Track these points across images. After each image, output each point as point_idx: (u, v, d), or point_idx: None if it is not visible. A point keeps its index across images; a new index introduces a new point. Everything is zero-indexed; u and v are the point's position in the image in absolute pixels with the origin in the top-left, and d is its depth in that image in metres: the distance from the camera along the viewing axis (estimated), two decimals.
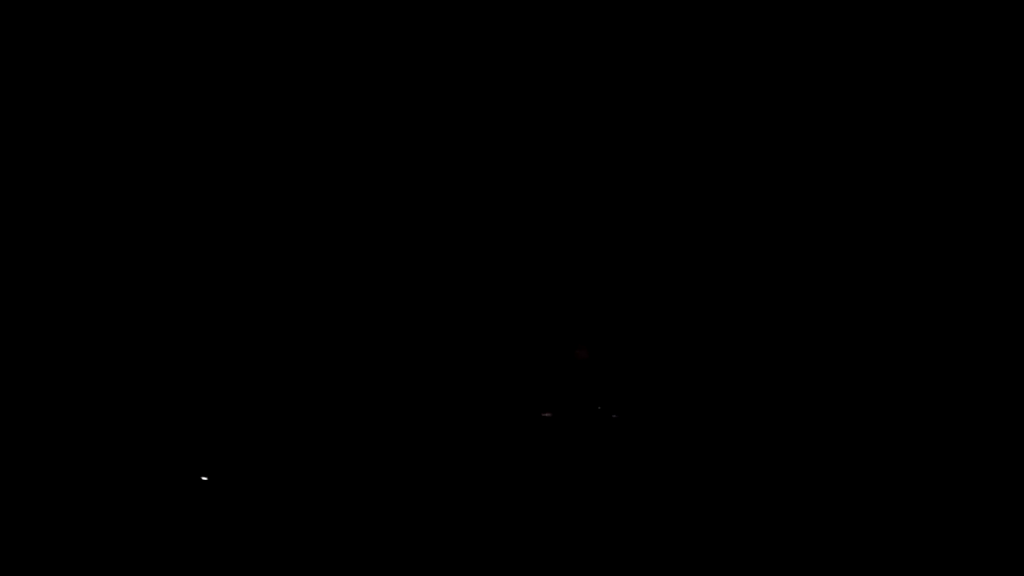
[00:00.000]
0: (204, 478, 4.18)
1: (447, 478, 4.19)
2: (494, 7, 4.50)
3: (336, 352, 4.51)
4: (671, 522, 3.97)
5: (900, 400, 4.39)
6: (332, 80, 4.55)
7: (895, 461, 4.22)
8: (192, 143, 4.53)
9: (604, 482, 4.16)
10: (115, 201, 4.50)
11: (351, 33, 4.52)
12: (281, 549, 3.85)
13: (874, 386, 4.41)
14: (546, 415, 4.37)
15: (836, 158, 4.51)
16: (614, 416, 4.37)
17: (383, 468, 4.24)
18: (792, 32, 4.48)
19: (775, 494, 4.10)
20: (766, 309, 4.51)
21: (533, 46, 4.53)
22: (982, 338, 4.40)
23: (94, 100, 4.48)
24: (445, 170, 4.57)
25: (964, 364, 4.39)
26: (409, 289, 4.55)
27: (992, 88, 4.42)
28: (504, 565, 3.79)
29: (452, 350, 4.51)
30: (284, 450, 4.32)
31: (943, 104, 4.46)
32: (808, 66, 4.49)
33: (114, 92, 4.48)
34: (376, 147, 4.57)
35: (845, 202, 4.50)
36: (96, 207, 4.49)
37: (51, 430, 4.30)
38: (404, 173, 4.58)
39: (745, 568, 3.77)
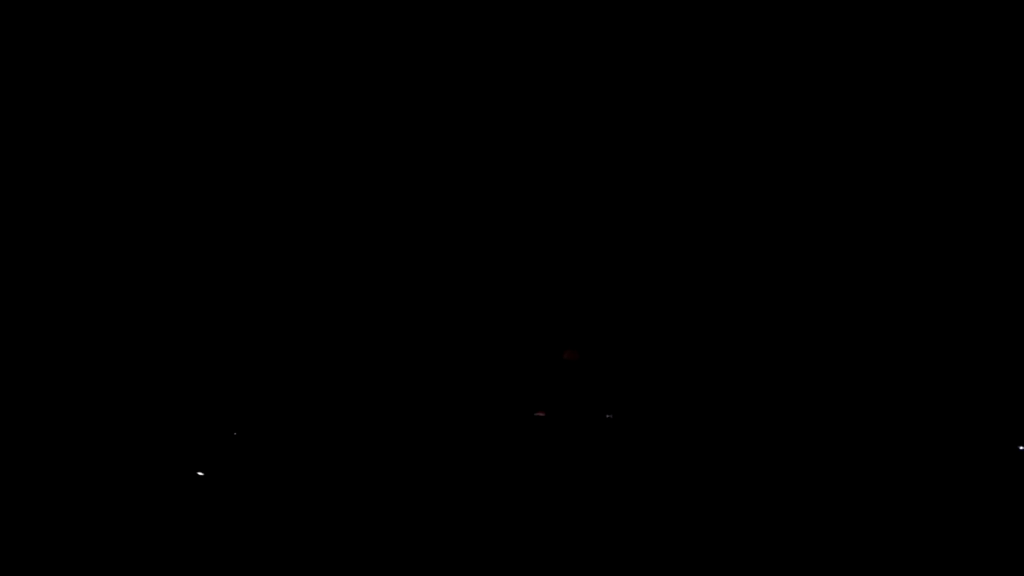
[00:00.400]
0: (200, 473, 4.21)
1: (441, 476, 4.20)
2: (494, 7, 4.51)
3: (329, 353, 4.53)
4: (668, 521, 3.97)
5: (900, 401, 4.37)
6: (332, 80, 4.57)
7: (895, 461, 4.20)
8: (192, 143, 4.57)
9: (599, 481, 4.16)
10: (115, 201, 4.54)
11: (351, 33, 4.54)
12: (277, 548, 3.87)
13: (872, 387, 4.39)
14: (539, 414, 4.37)
15: (834, 158, 4.49)
16: (608, 416, 4.37)
17: (377, 466, 4.26)
18: (792, 32, 4.47)
19: (772, 494, 4.09)
20: (761, 308, 4.49)
21: (529, 47, 4.53)
22: (982, 338, 4.37)
23: (94, 100, 4.52)
24: (435, 172, 4.58)
25: (964, 364, 4.37)
26: (402, 289, 4.56)
27: (992, 88, 4.39)
28: (501, 564, 3.79)
29: (445, 349, 4.52)
30: (275, 447, 4.35)
31: (943, 104, 4.43)
32: (808, 66, 4.47)
33: (114, 92, 4.53)
34: (364, 150, 4.59)
35: (842, 202, 4.48)
36: (96, 207, 4.53)
37: (51, 429, 4.35)
38: (394, 176, 4.59)
39: (744, 568, 3.77)
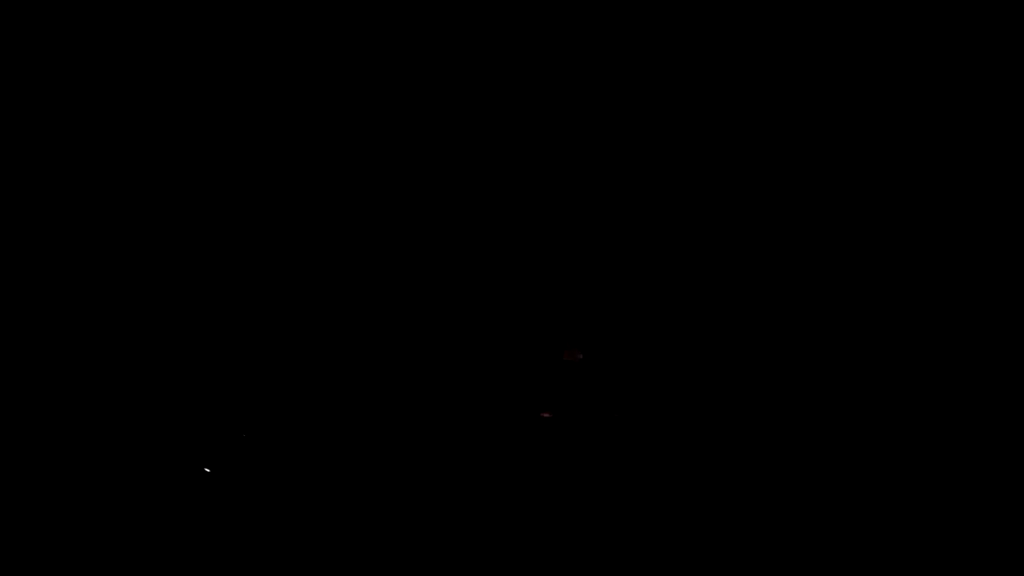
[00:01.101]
0: (207, 470, 4.22)
1: (446, 477, 4.21)
2: (494, 7, 4.49)
3: (332, 355, 4.53)
4: (674, 521, 3.99)
5: (900, 401, 4.39)
6: (332, 80, 4.55)
7: (895, 462, 4.23)
8: (192, 143, 4.54)
9: (605, 482, 4.18)
10: (115, 201, 4.52)
11: (351, 33, 4.52)
12: (279, 547, 3.88)
13: (874, 387, 4.41)
14: (545, 415, 4.38)
15: (836, 158, 4.50)
16: (615, 415, 4.38)
17: (379, 467, 4.27)
18: (792, 32, 4.47)
19: (777, 494, 4.12)
20: (764, 307, 4.51)
21: (530, 46, 4.52)
22: (982, 339, 4.40)
23: (94, 100, 4.48)
24: (435, 171, 4.58)
25: (964, 364, 4.39)
26: (405, 289, 4.56)
27: (992, 88, 4.40)
28: (504, 565, 3.81)
29: (450, 350, 4.52)
30: (279, 448, 4.35)
31: (943, 104, 4.45)
32: (808, 66, 4.48)
33: (114, 92, 4.49)
34: (365, 150, 4.58)
35: (845, 202, 4.50)
36: (96, 207, 4.51)
37: (51, 429, 4.34)
38: (394, 175, 4.58)
39: (748, 568, 3.79)
